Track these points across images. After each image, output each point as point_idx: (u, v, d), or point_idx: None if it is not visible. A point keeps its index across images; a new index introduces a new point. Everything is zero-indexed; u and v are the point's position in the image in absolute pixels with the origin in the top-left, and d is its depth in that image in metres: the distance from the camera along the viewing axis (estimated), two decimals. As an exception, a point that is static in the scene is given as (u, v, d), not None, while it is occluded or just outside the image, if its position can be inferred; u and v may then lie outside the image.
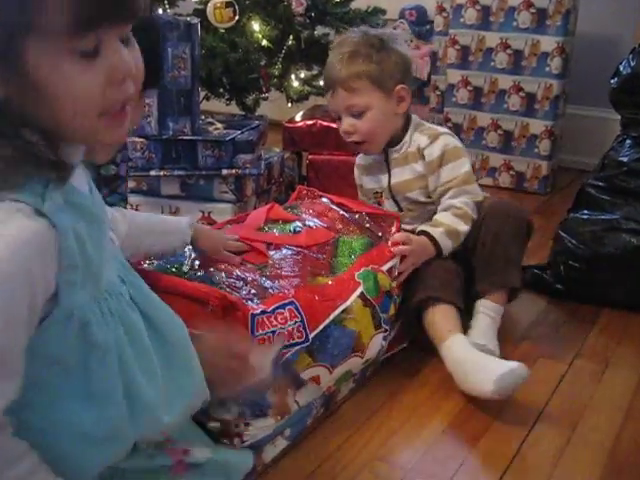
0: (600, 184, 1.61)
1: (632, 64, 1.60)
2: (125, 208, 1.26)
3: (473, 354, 1.19)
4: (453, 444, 1.11)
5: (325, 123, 2.01)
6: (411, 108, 1.48)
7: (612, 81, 1.67)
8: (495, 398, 1.13)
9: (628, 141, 1.62)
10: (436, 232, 1.33)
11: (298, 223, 1.28)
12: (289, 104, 2.24)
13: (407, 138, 1.44)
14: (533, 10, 2.21)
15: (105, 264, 0.71)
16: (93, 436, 0.67)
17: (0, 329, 0.60)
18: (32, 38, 0.59)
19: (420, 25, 2.71)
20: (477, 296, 1.35)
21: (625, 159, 1.58)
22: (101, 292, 0.69)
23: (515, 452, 1.09)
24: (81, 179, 0.71)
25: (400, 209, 1.47)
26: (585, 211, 1.60)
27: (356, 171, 1.56)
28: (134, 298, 0.74)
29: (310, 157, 2.03)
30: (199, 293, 1.00)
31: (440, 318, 1.26)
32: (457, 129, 2.38)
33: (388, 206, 1.48)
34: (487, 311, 1.33)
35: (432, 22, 2.55)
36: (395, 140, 1.45)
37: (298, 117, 2.12)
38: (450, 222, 1.35)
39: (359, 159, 1.55)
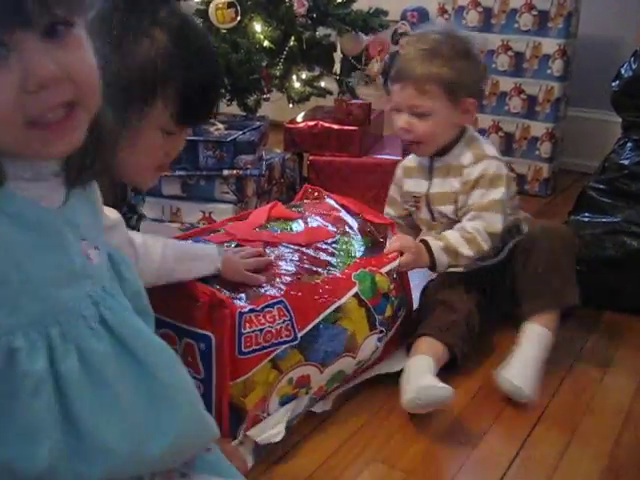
0: (601, 187, 1.61)
1: (634, 67, 1.60)
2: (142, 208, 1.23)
3: (418, 364, 1.17)
4: (453, 446, 1.11)
5: (326, 124, 2.02)
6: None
7: (613, 84, 1.67)
8: (408, 409, 1.12)
9: (629, 144, 1.62)
10: (435, 244, 1.31)
11: (299, 221, 1.28)
12: (290, 105, 2.24)
13: (456, 151, 1.39)
14: (535, 12, 2.21)
15: (63, 283, 0.64)
16: (22, 474, 0.60)
17: None
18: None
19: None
20: (524, 318, 1.29)
21: (626, 162, 1.58)
22: (47, 314, 0.62)
23: (515, 455, 1.09)
24: (49, 193, 0.65)
25: (433, 219, 1.43)
26: (586, 214, 1.60)
27: (399, 172, 1.51)
28: (110, 323, 0.67)
29: (311, 158, 2.03)
30: (189, 289, 1.01)
31: (422, 344, 1.23)
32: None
33: (424, 213, 1.44)
34: (533, 341, 1.25)
35: (433, 24, 2.55)
36: (444, 150, 1.40)
37: (299, 118, 2.12)
38: (454, 242, 1.31)
39: (407, 161, 1.50)
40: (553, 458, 1.09)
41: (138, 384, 0.67)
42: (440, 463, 1.07)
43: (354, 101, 2.07)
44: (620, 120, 1.70)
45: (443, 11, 2.46)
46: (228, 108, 2.04)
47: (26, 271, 0.61)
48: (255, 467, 1.01)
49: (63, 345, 0.62)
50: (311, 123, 2.03)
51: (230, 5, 1.86)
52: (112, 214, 0.83)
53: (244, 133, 1.68)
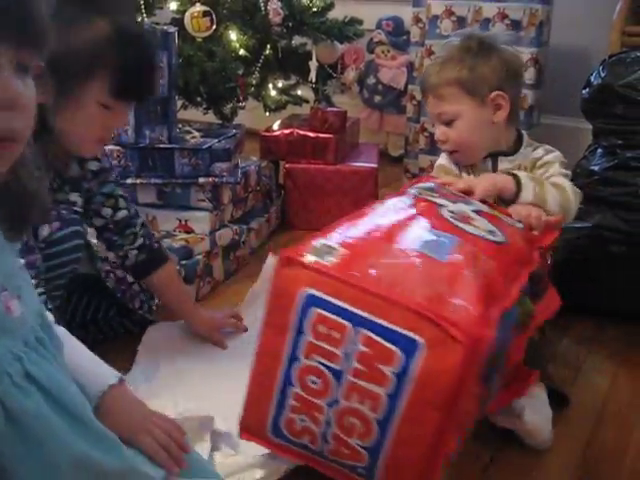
0: (572, 193, 1.63)
1: (602, 75, 1.63)
2: (121, 193, 1.33)
3: None
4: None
5: (302, 132, 2.03)
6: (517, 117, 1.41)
7: (584, 92, 1.69)
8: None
9: (599, 150, 1.64)
10: (523, 176, 1.26)
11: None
12: (267, 113, 2.25)
13: (523, 150, 1.36)
14: (507, 21, 2.24)
15: None
16: None
17: None
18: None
19: (397, 35, 2.74)
20: None
21: (596, 168, 1.60)
22: None
23: (489, 460, 1.10)
24: None
25: None
26: (558, 219, 1.62)
27: (449, 165, 1.41)
28: (35, 376, 0.65)
29: (287, 166, 2.04)
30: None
31: None
32: (433, 139, 2.39)
33: None
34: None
35: (409, 33, 2.57)
36: (510, 151, 1.36)
37: (275, 126, 2.13)
38: (544, 183, 1.26)
39: (446, 161, 1.41)
40: (525, 463, 1.10)
41: (73, 435, 0.67)
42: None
43: (330, 109, 2.08)
44: (591, 127, 1.73)
45: (417, 20, 2.49)
46: (204, 116, 2.04)
47: None
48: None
49: None
50: (287, 131, 2.04)
51: (205, 14, 1.87)
52: None
53: (220, 141, 1.68)
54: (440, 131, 1.35)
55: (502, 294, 0.84)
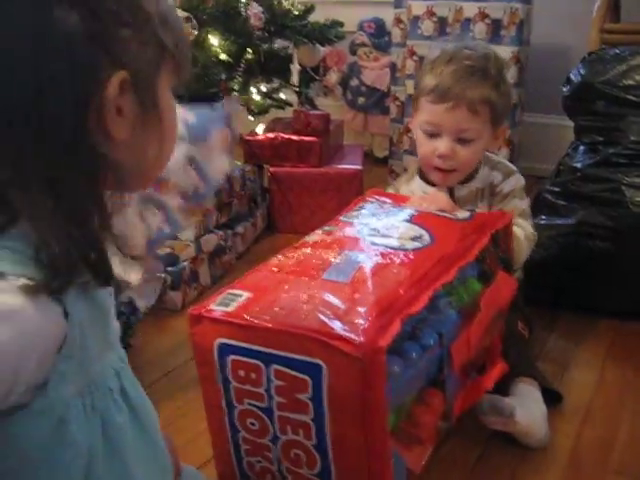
0: (556, 190, 1.65)
1: (582, 72, 1.64)
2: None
3: None
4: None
5: (286, 136, 2.03)
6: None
7: (564, 89, 1.71)
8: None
9: (581, 147, 1.65)
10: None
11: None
12: (250, 117, 2.25)
13: (479, 174, 1.32)
14: (488, 21, 2.25)
15: (100, 356, 0.64)
16: None
17: None
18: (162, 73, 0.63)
19: (379, 37, 2.75)
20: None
21: (579, 165, 1.61)
22: (88, 386, 0.62)
23: (477, 457, 1.10)
24: None
25: None
26: (542, 217, 1.63)
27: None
28: (129, 395, 0.67)
29: (271, 170, 2.04)
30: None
31: None
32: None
33: None
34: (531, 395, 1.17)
35: (390, 34, 2.58)
36: (467, 176, 1.32)
37: (259, 130, 2.13)
38: (520, 235, 1.24)
39: (407, 192, 1.35)
40: (514, 458, 1.10)
41: (146, 452, 0.68)
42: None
43: (313, 112, 2.08)
44: (573, 124, 1.74)
45: (399, 21, 2.50)
46: (187, 122, 2.04)
47: (87, 347, 0.60)
48: None
49: (93, 416, 0.62)
50: (270, 135, 2.04)
51: (186, 19, 1.87)
52: None
53: (203, 146, 1.68)
54: (449, 147, 1.25)
55: (407, 301, 0.85)
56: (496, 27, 2.24)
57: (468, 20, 2.28)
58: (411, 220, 1.09)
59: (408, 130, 2.43)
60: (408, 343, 0.89)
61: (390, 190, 1.42)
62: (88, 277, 0.58)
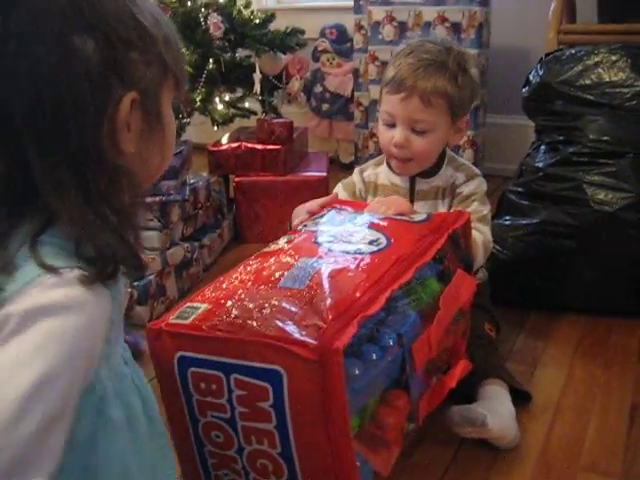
0: (519, 190, 1.66)
1: (540, 73, 1.66)
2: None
3: None
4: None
5: (250, 145, 2.02)
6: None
7: (523, 90, 1.72)
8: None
9: (542, 147, 1.67)
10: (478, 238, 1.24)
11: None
12: (215, 127, 2.24)
13: (443, 173, 1.34)
14: (447, 24, 2.27)
15: (118, 341, 0.69)
16: None
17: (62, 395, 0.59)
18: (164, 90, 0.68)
19: (341, 43, 2.76)
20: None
21: (540, 164, 1.63)
22: (112, 369, 0.67)
23: (451, 459, 1.10)
24: None
25: None
26: (507, 217, 1.64)
27: (359, 185, 1.40)
28: (136, 382, 0.71)
29: (237, 179, 2.03)
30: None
31: None
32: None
33: None
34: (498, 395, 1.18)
35: (352, 40, 2.59)
36: (428, 171, 1.33)
37: (224, 140, 2.12)
38: (478, 239, 1.25)
39: (375, 176, 1.39)
40: (487, 458, 1.10)
41: (157, 441, 0.73)
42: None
43: (276, 120, 2.08)
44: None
45: (360, 27, 2.51)
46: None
47: (115, 330, 0.67)
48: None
49: (117, 399, 0.67)
50: (234, 144, 2.03)
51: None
52: None
53: (166, 159, 1.66)
54: (404, 135, 1.27)
55: (364, 304, 0.85)
56: (456, 30, 2.27)
57: (428, 24, 2.30)
58: (368, 225, 1.09)
59: (373, 135, 2.44)
60: (367, 345, 0.89)
61: (356, 171, 1.43)
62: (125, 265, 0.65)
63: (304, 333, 0.79)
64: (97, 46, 0.60)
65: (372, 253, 0.98)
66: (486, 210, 1.34)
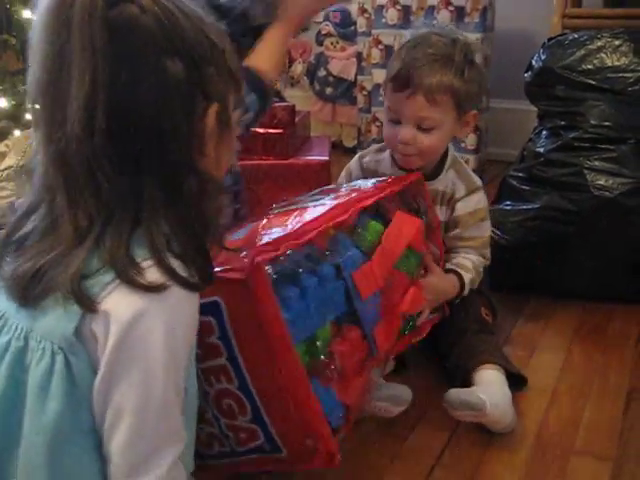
0: (520, 175, 1.66)
1: (542, 58, 1.65)
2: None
3: None
4: (383, 441, 1.12)
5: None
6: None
7: (526, 75, 1.72)
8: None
9: (544, 132, 1.67)
10: (467, 278, 1.27)
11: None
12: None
13: (444, 177, 1.31)
14: (451, 8, 2.26)
15: None
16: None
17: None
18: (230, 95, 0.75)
19: (344, 27, 2.74)
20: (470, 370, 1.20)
21: (542, 150, 1.63)
22: None
23: (445, 443, 1.12)
24: None
25: None
26: (508, 202, 1.64)
27: (355, 170, 1.39)
28: None
29: (239, 163, 2.02)
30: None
31: None
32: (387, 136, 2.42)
33: None
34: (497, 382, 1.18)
35: (356, 23, 2.58)
36: (430, 174, 1.30)
37: (226, 124, 2.11)
38: (474, 272, 1.29)
39: (372, 163, 1.37)
40: (482, 442, 1.11)
41: None
42: (372, 459, 1.08)
43: (278, 104, 2.07)
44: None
45: (363, 11, 2.50)
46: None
47: None
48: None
49: None
50: (237, 128, 2.03)
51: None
52: None
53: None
54: (410, 133, 1.24)
55: (296, 235, 0.90)
56: (460, 14, 2.25)
57: (432, 7, 2.28)
58: (326, 197, 1.12)
59: (376, 119, 2.44)
60: (305, 275, 0.90)
61: (355, 157, 1.42)
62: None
63: (234, 262, 0.83)
64: (185, 66, 0.67)
65: (312, 207, 1.02)
66: (487, 232, 1.34)
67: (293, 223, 0.94)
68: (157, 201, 0.68)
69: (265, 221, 0.98)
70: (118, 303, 0.65)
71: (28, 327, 0.69)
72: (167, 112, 0.67)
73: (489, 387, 1.14)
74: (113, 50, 0.65)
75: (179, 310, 0.68)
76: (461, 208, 1.30)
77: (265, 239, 0.89)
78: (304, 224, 0.93)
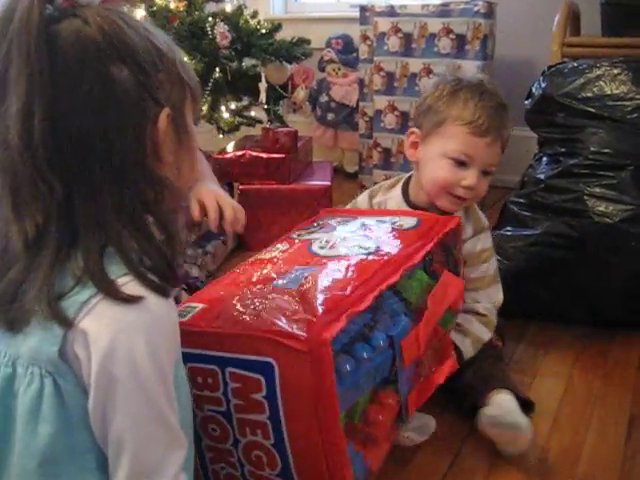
0: (521, 201, 1.67)
1: (542, 86, 1.67)
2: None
3: None
4: (386, 462, 1.11)
5: (254, 153, 2.04)
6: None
7: (526, 102, 1.74)
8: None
9: (545, 158, 1.68)
10: (466, 349, 1.24)
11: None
12: (220, 135, 2.26)
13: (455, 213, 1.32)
14: (452, 36, 2.29)
15: None
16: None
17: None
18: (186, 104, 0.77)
19: (346, 53, 2.78)
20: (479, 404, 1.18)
21: (542, 176, 1.64)
22: None
23: (448, 466, 1.11)
24: None
25: None
26: (508, 227, 1.65)
27: (364, 204, 1.39)
28: None
29: (241, 187, 2.04)
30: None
31: None
32: (387, 154, 2.44)
33: None
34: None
35: (358, 50, 2.61)
36: (443, 212, 1.30)
37: (229, 148, 2.14)
38: (479, 333, 1.27)
39: (382, 202, 1.37)
40: (483, 468, 1.11)
41: None
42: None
43: (280, 129, 2.09)
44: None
45: (365, 38, 2.53)
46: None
47: None
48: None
49: None
50: (239, 152, 2.05)
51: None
52: None
53: (171, 166, 1.68)
54: (478, 178, 1.25)
55: (353, 301, 0.89)
56: (460, 42, 2.28)
57: (433, 35, 2.31)
58: (365, 229, 1.12)
59: (377, 145, 2.46)
60: (359, 344, 0.91)
61: (365, 194, 1.41)
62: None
63: (295, 327, 0.82)
64: (131, 72, 0.69)
65: (362, 257, 1.01)
66: (493, 267, 1.34)
67: (344, 276, 0.94)
68: (118, 211, 0.69)
69: (308, 272, 0.96)
70: (96, 323, 0.66)
71: (14, 353, 0.68)
72: (113, 117, 0.68)
73: (507, 411, 1.13)
74: (51, 62, 0.66)
75: (159, 319, 0.69)
76: (467, 249, 1.30)
77: (320, 298, 0.88)
78: (357, 286, 0.92)
